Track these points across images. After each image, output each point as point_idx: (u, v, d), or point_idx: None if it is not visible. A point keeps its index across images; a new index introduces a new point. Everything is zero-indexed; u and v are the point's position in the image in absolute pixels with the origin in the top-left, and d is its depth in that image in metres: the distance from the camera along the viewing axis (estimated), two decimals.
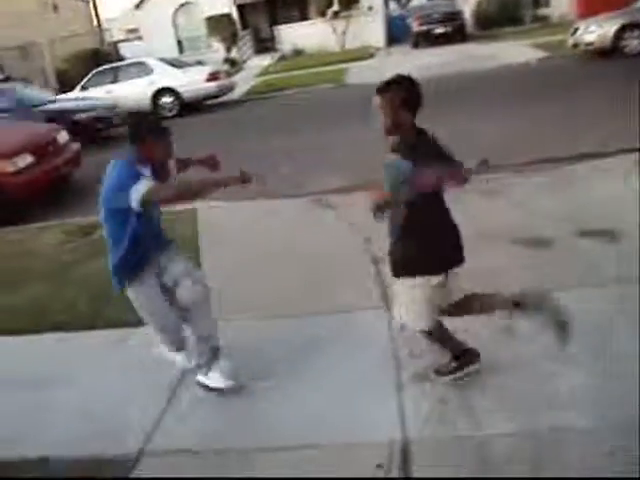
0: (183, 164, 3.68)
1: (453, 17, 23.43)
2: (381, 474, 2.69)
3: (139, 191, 3.04)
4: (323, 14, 26.62)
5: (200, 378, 3.57)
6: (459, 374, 3.29)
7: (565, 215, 5.23)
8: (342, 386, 3.41)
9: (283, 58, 27.00)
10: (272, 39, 28.65)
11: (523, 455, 2.71)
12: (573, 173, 6.32)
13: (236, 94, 17.95)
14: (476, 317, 3.87)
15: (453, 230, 3.20)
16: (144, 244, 3.32)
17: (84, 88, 16.54)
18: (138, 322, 4.58)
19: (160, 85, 15.85)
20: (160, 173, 3.34)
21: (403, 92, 2.91)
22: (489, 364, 3.38)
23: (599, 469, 2.58)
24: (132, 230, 3.23)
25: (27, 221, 7.70)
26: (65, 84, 22.13)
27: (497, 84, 13.41)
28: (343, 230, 5.70)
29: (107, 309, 4.87)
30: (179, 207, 6.82)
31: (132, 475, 3.00)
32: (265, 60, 26.65)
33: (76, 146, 9.47)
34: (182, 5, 28.69)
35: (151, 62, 16.57)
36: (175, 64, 17.03)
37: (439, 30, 23.32)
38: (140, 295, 3.44)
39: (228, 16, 27.61)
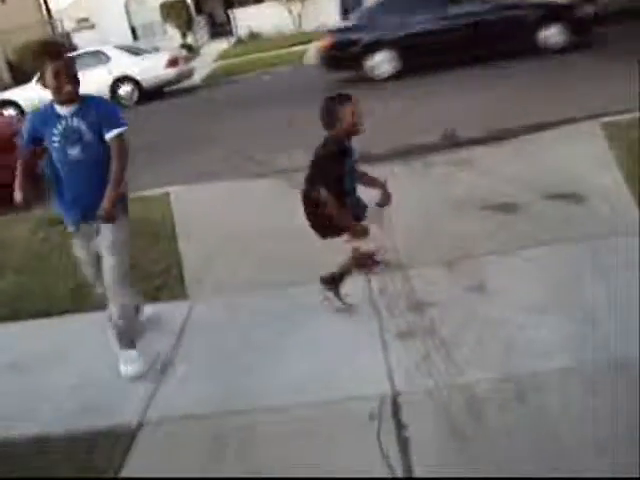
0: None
1: None
2: (374, 424, 2.84)
3: None
4: None
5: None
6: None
7: (531, 181, 5.42)
8: (329, 348, 3.57)
9: (240, 42, 26.84)
10: (228, 23, 28.44)
11: (505, 396, 2.90)
12: (536, 141, 6.53)
13: (195, 79, 17.85)
14: (449, 276, 4.10)
15: None
16: None
17: None
18: None
19: (118, 73, 15.68)
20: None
21: None
22: (469, 319, 3.57)
23: (579, 403, 2.78)
24: None
25: None
26: (18, 76, 21.68)
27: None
28: None
29: (87, 294, 4.93)
30: (152, 192, 6.91)
31: (134, 445, 3.09)
32: (222, 44, 26.49)
33: None
34: None
35: (108, 50, 16.37)
36: (132, 51, 16.85)
37: None
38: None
39: (182, 1, 27.31)
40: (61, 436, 3.23)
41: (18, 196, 3.74)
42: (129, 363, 3.63)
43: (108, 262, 3.57)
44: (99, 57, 16.12)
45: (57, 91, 3.43)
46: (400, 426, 2.83)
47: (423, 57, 12.31)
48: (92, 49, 17.13)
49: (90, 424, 3.27)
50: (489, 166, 6.03)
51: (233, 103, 13.64)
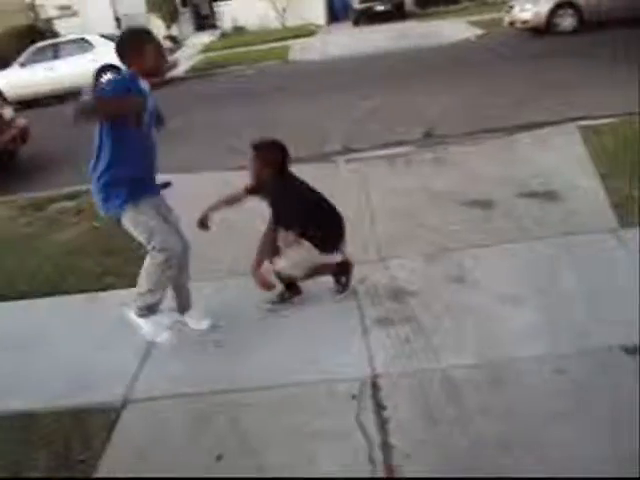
0: None
1: None
2: (355, 404, 2.96)
3: None
4: None
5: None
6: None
7: (508, 179, 5.59)
8: (313, 332, 3.68)
9: (224, 35, 26.79)
10: (212, 16, 28.38)
11: (480, 380, 3.03)
12: (514, 142, 6.70)
13: (179, 71, 17.81)
14: (430, 266, 4.24)
15: None
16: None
17: (22, 65, 16.13)
18: (105, 287, 4.79)
19: (102, 62, 15.59)
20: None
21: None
22: (446, 308, 3.71)
23: (550, 385, 2.94)
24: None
25: None
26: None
27: (438, 60, 13.81)
28: None
29: (70, 277, 4.99)
30: None
31: (118, 424, 3.17)
32: (206, 37, 26.40)
33: (23, 122, 9.36)
34: None
35: (92, 38, 16.28)
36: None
37: (380, 8, 23.61)
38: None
39: None
40: (47, 412, 3.31)
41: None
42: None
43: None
44: (83, 45, 16.04)
45: (159, 66, 3.52)
46: (379, 406, 2.95)
47: None
48: (76, 37, 17.01)
49: (78, 401, 3.35)
50: (469, 164, 6.19)
51: (216, 95, 13.67)
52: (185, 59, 20.10)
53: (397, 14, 23.56)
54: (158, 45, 3.50)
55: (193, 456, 2.87)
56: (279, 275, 3.91)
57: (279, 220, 3.81)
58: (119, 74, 3.70)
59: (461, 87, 10.13)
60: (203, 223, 4.02)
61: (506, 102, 8.70)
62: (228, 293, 4.37)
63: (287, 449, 2.81)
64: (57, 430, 3.17)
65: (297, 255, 3.84)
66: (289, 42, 21.15)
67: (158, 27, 26.84)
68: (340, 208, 4.02)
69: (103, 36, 16.74)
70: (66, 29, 24.81)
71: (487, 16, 19.16)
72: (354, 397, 3.02)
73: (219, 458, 2.82)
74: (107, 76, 15.60)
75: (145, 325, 3.69)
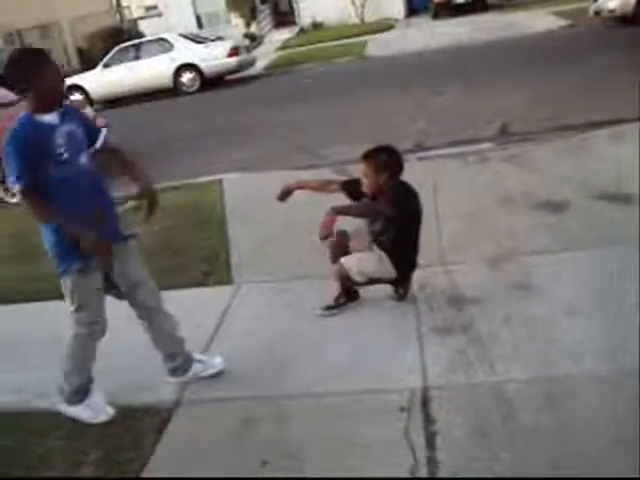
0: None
1: None
2: (404, 416, 2.87)
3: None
4: None
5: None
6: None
7: (583, 180, 5.31)
8: (366, 339, 3.61)
9: (302, 32, 26.92)
10: (291, 13, 28.56)
11: (536, 397, 2.88)
12: (591, 139, 6.37)
13: (256, 69, 18.02)
14: (492, 273, 4.08)
15: None
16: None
17: (106, 66, 16.73)
18: (168, 286, 4.86)
19: (181, 61, 15.97)
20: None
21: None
22: (505, 318, 3.55)
23: (610, 406, 2.76)
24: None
25: None
26: (86, 62, 22.36)
27: (518, 53, 13.35)
28: None
29: None
30: (204, 179, 7.07)
31: (170, 424, 3.20)
32: (284, 34, 26.61)
33: (102, 122, 9.66)
34: None
35: (172, 38, 16.68)
36: (196, 40, 17.12)
37: (460, 0, 23.08)
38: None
39: None
40: None
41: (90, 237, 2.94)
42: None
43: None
44: (163, 45, 16.46)
45: (57, 95, 2.99)
46: (428, 420, 2.85)
47: None
48: (157, 37, 17.49)
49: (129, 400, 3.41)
50: (542, 163, 5.93)
51: (292, 93, 13.74)
52: (263, 56, 20.33)
53: (478, 6, 22.98)
54: (56, 67, 3.00)
55: (238, 461, 2.86)
56: (340, 277, 3.85)
57: (375, 221, 3.80)
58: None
59: (540, 81, 9.74)
60: (285, 195, 4.04)
61: (586, 97, 8.30)
62: (285, 296, 4.35)
63: (330, 459, 2.76)
64: (108, 429, 3.23)
65: (368, 260, 3.79)
66: (367, 37, 21.01)
67: (237, 24, 27.34)
68: None
69: (183, 36, 17.14)
70: (150, 29, 25.59)
71: (572, 6, 18.39)
72: (403, 409, 2.93)
73: (264, 464, 2.80)
74: (186, 75, 16.01)
75: (83, 413, 3.32)
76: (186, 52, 16.16)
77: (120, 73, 16.30)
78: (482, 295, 3.87)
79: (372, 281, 3.84)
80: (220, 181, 6.76)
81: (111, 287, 3.27)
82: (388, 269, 3.77)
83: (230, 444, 2.99)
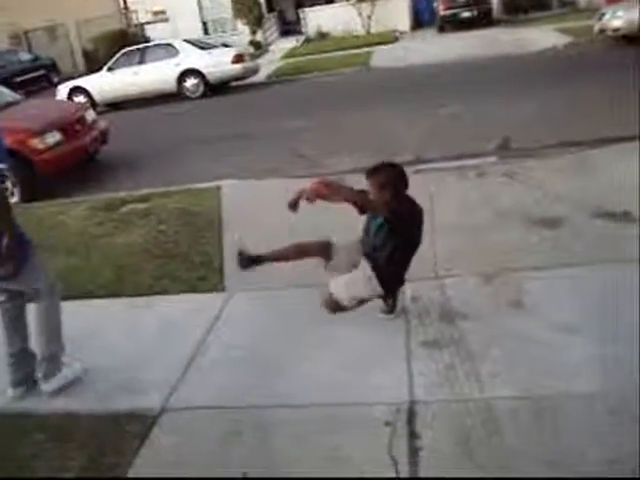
0: None
1: (480, 1, 23.19)
2: (388, 431, 2.84)
3: None
4: None
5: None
6: None
7: (582, 197, 5.28)
8: (355, 351, 3.58)
9: (308, 41, 26.99)
10: (297, 22, 28.62)
11: (523, 415, 2.85)
12: (592, 156, 6.36)
13: (261, 76, 18.05)
14: (486, 289, 4.04)
15: None
16: None
17: (111, 69, 16.76)
18: (161, 291, 4.87)
19: (186, 66, 15.99)
20: None
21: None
22: (495, 334, 3.52)
23: (600, 426, 2.72)
24: None
25: (53, 197, 7.93)
26: (92, 64, 22.44)
27: (521, 69, 13.38)
28: None
29: (132, 278, 5.10)
30: (202, 185, 7.06)
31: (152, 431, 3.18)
32: (290, 43, 26.66)
33: (104, 124, 9.69)
34: None
35: (177, 43, 16.72)
36: (201, 46, 17.16)
37: (465, 14, 23.11)
38: None
39: None
40: (87, 414, 3.36)
41: None
42: None
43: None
44: (169, 50, 16.48)
45: None
46: (413, 435, 2.82)
47: None
48: (162, 42, 17.54)
49: (114, 406, 3.38)
50: (541, 179, 5.91)
51: (295, 101, 13.76)
52: (268, 64, 20.37)
53: (484, 21, 23.01)
54: None
55: (219, 470, 2.83)
56: (330, 306, 3.79)
57: (377, 235, 3.71)
58: None
59: (542, 97, 9.74)
60: (294, 205, 3.82)
61: (588, 114, 8.29)
62: (276, 305, 4.33)
63: (312, 471, 2.72)
64: (92, 433, 3.21)
65: (356, 285, 3.72)
66: (372, 49, 21.06)
67: (243, 32, 27.40)
68: None
69: (188, 41, 17.17)
70: (156, 34, 25.67)
71: (577, 23, 18.44)
72: (388, 423, 2.90)
73: (244, 475, 2.77)
74: (190, 81, 16.04)
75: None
76: (191, 58, 16.19)
77: (124, 77, 16.32)
78: (473, 310, 3.84)
79: (361, 302, 3.80)
80: (218, 187, 6.75)
81: None
82: (376, 288, 3.71)
83: (211, 454, 2.96)
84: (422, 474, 2.59)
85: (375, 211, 3.65)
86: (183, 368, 3.67)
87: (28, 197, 7.91)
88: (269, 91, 16.37)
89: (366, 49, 21.13)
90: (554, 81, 11.07)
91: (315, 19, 27.49)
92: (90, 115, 9.43)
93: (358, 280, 3.72)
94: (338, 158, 7.75)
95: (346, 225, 4.06)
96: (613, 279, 3.98)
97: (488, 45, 17.74)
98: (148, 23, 28.83)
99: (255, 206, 6.38)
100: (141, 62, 16.54)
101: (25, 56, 23.28)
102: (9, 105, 9.26)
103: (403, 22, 26.75)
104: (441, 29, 23.90)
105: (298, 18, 28.56)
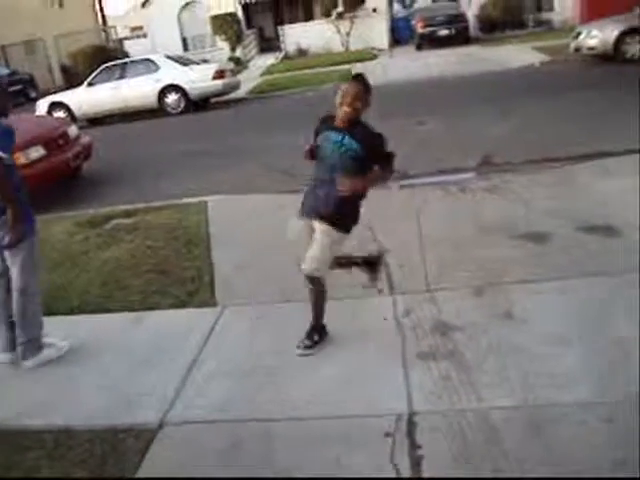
0: None
1: (457, 19, 23.62)
2: (389, 442, 2.87)
3: None
4: (328, 14, 26.78)
5: None
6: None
7: (566, 211, 5.40)
8: (352, 363, 3.61)
9: (287, 57, 27.17)
10: (277, 38, 28.83)
11: (520, 424, 2.90)
12: (573, 172, 6.49)
13: (241, 92, 18.11)
14: (476, 301, 4.10)
15: None
16: None
17: (91, 84, 16.70)
18: (151, 306, 4.86)
19: (167, 82, 15.98)
20: None
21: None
22: (491, 345, 3.58)
23: (597, 435, 2.78)
24: None
25: (37, 212, 7.85)
26: (71, 80, 22.34)
27: (499, 86, 13.60)
28: None
29: (119, 294, 5.08)
30: (188, 200, 7.06)
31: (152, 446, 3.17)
32: (269, 59, 26.82)
33: (87, 140, 9.65)
34: (187, 3, 28.84)
35: (158, 59, 16.71)
36: (182, 61, 17.18)
37: (443, 32, 23.49)
38: None
39: (233, 15, 27.78)
40: (85, 429, 3.34)
41: None
42: None
43: None
44: (149, 65, 16.46)
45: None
46: (414, 445, 2.85)
47: None
48: (143, 57, 17.50)
49: (112, 421, 3.36)
50: (525, 194, 6.02)
51: (274, 117, 13.82)
52: (247, 80, 20.45)
53: (461, 39, 23.41)
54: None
55: None
56: (313, 285, 3.79)
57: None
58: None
59: (521, 114, 9.92)
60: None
61: (567, 131, 8.46)
62: (268, 319, 4.35)
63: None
64: (92, 449, 3.19)
65: (323, 251, 3.70)
66: (350, 66, 21.24)
67: (223, 48, 27.52)
68: (390, 235, 3.94)
69: (169, 57, 17.19)
70: (135, 50, 25.67)
71: (553, 42, 18.82)
72: (388, 435, 2.93)
73: None
74: (171, 96, 16.04)
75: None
76: (171, 73, 16.20)
77: (105, 92, 16.25)
78: (466, 322, 3.90)
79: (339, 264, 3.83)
80: (205, 202, 6.77)
81: None
82: (341, 240, 3.73)
83: (211, 468, 2.96)
84: None
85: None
86: (179, 383, 3.66)
87: None
88: (249, 107, 16.42)
89: (345, 66, 21.31)
90: (533, 98, 11.27)
91: (294, 36, 27.72)
92: (73, 131, 9.39)
93: (324, 247, 3.69)
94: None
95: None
96: (598, 292, 4.07)
97: (466, 63, 18.02)
98: (127, 39, 28.85)
99: (241, 220, 6.42)
100: (122, 77, 16.49)
101: (2, 70, 23.10)
102: None
103: (382, 40, 27.06)
104: (419, 47, 24.23)
105: (277, 35, 28.76)
